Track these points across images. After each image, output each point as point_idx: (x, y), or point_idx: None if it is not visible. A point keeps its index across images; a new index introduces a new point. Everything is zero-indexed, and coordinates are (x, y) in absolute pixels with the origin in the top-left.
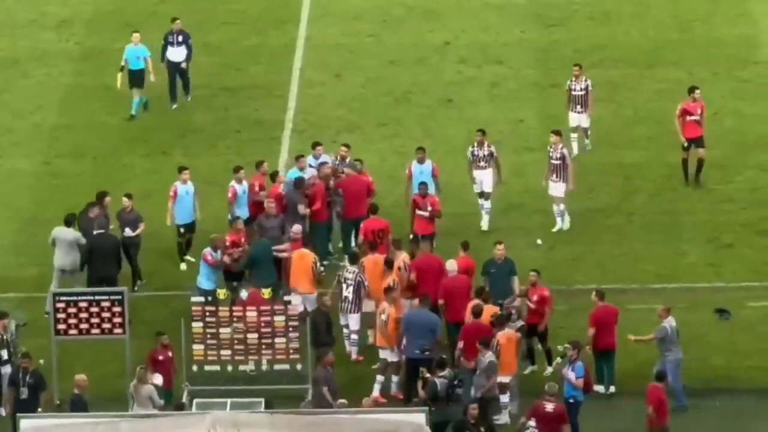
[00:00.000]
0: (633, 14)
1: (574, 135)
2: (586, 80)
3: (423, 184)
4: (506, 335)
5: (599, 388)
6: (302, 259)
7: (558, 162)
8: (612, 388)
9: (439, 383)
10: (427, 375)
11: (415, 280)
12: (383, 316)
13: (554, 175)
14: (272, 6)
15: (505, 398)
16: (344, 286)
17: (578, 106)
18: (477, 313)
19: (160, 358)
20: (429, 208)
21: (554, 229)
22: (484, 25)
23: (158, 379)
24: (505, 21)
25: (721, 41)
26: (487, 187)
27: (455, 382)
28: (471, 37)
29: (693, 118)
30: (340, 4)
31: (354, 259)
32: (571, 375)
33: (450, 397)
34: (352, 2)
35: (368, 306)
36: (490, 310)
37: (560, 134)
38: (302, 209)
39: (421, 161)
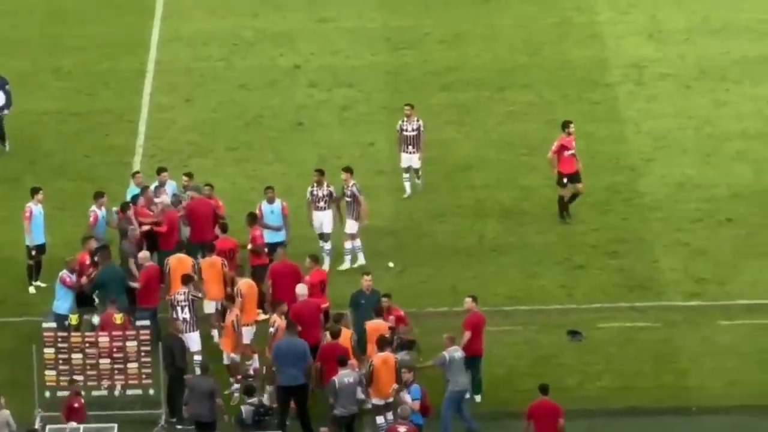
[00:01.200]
0: (483, 37)
1: (406, 175)
2: (418, 120)
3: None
4: (383, 357)
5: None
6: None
7: (349, 199)
8: (478, 398)
9: (244, 410)
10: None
11: (271, 287)
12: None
13: (347, 213)
14: (122, 31)
15: (380, 420)
16: (179, 309)
17: (410, 147)
18: (334, 334)
19: (75, 405)
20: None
21: (342, 268)
22: (335, 49)
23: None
24: (356, 44)
25: (571, 64)
26: (327, 228)
27: (262, 410)
28: (321, 61)
29: (570, 152)
30: (190, 29)
31: (186, 280)
32: (407, 398)
33: (258, 425)
34: (202, 27)
35: (209, 307)
36: (348, 333)
37: (350, 171)
38: (131, 231)
39: (270, 201)
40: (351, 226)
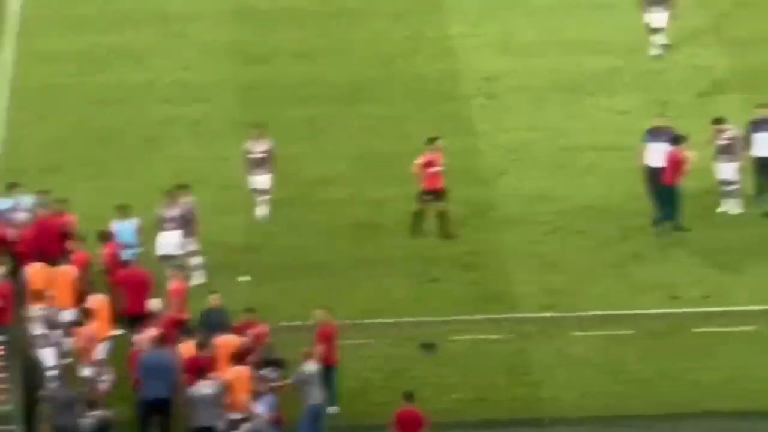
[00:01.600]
0: (336, 51)
1: (260, 198)
2: (267, 142)
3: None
4: (236, 372)
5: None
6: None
7: (190, 217)
8: (333, 409)
9: (85, 423)
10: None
11: (124, 299)
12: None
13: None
14: None
15: None
16: (33, 324)
17: (258, 169)
18: (199, 346)
19: None
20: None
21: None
22: (186, 64)
23: None
24: (208, 59)
25: (423, 77)
26: (173, 250)
27: (103, 424)
28: (174, 76)
29: (436, 168)
30: (44, 46)
31: (37, 295)
32: (258, 408)
33: None
34: (56, 43)
35: (63, 318)
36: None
37: (186, 188)
38: None
39: (123, 218)
40: (186, 243)
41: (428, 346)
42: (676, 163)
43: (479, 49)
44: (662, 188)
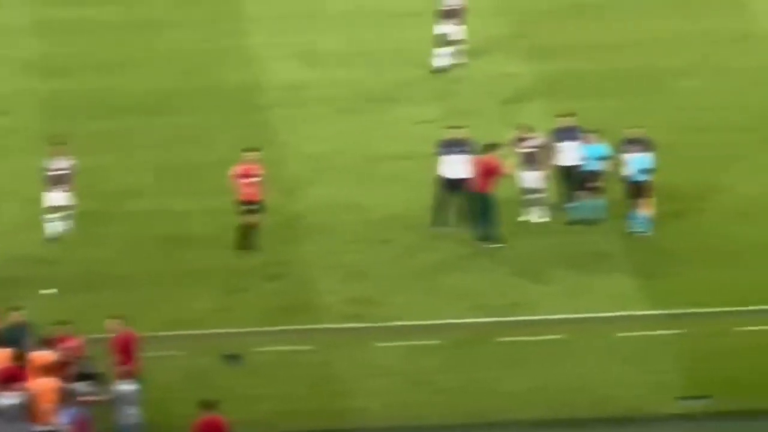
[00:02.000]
0: (140, 62)
1: (56, 215)
2: (66, 159)
3: None
4: (42, 383)
5: None
6: None
7: None
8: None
9: None
10: None
11: None
12: None
13: None
14: None
15: None
16: None
17: (56, 186)
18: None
19: None
20: None
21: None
22: None
23: None
24: (7, 72)
25: (227, 87)
26: None
27: None
28: None
29: (251, 180)
30: None
31: None
32: (62, 421)
33: None
34: None
35: None
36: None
37: None
38: None
39: None
40: None
41: (233, 357)
42: (488, 171)
43: (282, 59)
44: (473, 198)
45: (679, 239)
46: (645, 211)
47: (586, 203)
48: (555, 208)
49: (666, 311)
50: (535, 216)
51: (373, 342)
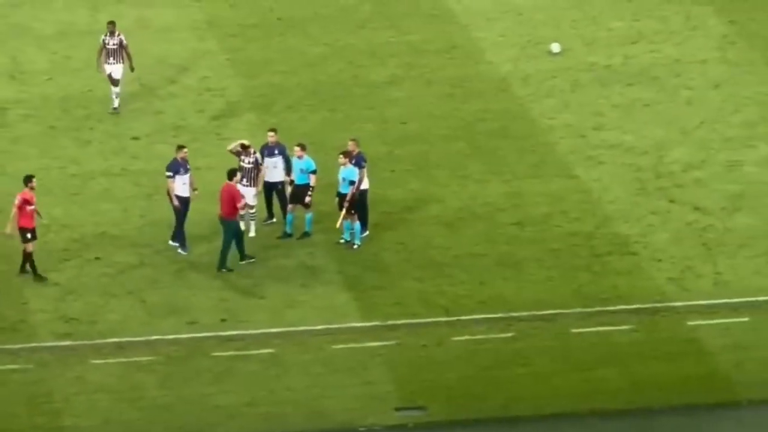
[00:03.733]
0: None
1: None
2: None
3: None
4: None
5: None
6: None
7: None
8: None
9: None
10: None
11: None
12: None
13: None
14: None
15: None
16: None
17: None
18: None
19: None
20: None
21: None
22: None
23: None
24: None
25: None
26: None
27: None
28: None
29: (32, 207)
30: None
31: None
32: None
33: None
34: None
35: None
36: None
37: None
38: None
39: None
40: None
41: None
42: (229, 197)
43: None
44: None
45: (389, 250)
46: (353, 221)
47: (294, 217)
48: (263, 223)
49: (379, 323)
50: (251, 232)
51: (85, 359)
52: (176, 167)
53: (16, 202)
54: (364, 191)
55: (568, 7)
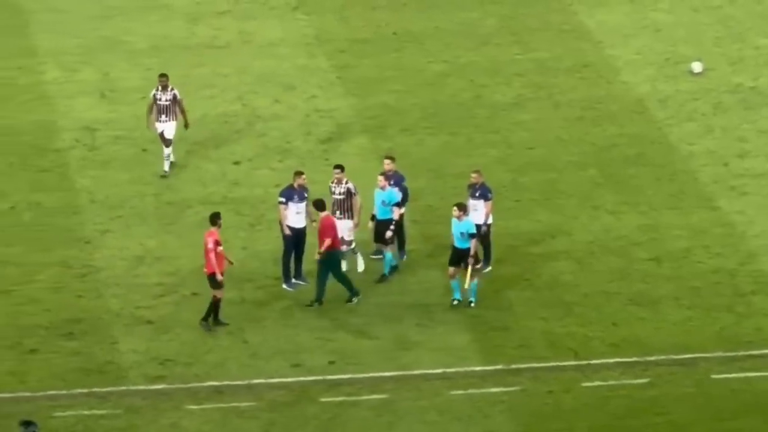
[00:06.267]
0: None
1: None
2: None
3: None
4: None
5: None
6: None
7: None
8: None
9: None
10: None
11: None
12: None
13: None
14: None
15: None
16: None
17: None
18: None
19: None
20: None
21: None
22: None
23: None
24: None
25: (16, 128)
26: None
27: None
28: None
29: (221, 248)
30: None
31: None
32: None
33: None
34: None
35: None
36: None
37: None
38: None
39: None
40: None
41: (28, 424)
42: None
43: (77, 95)
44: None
45: (512, 288)
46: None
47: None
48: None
49: (501, 366)
50: (360, 266)
51: (182, 404)
52: (290, 194)
53: (210, 245)
54: (489, 226)
55: (711, 22)
